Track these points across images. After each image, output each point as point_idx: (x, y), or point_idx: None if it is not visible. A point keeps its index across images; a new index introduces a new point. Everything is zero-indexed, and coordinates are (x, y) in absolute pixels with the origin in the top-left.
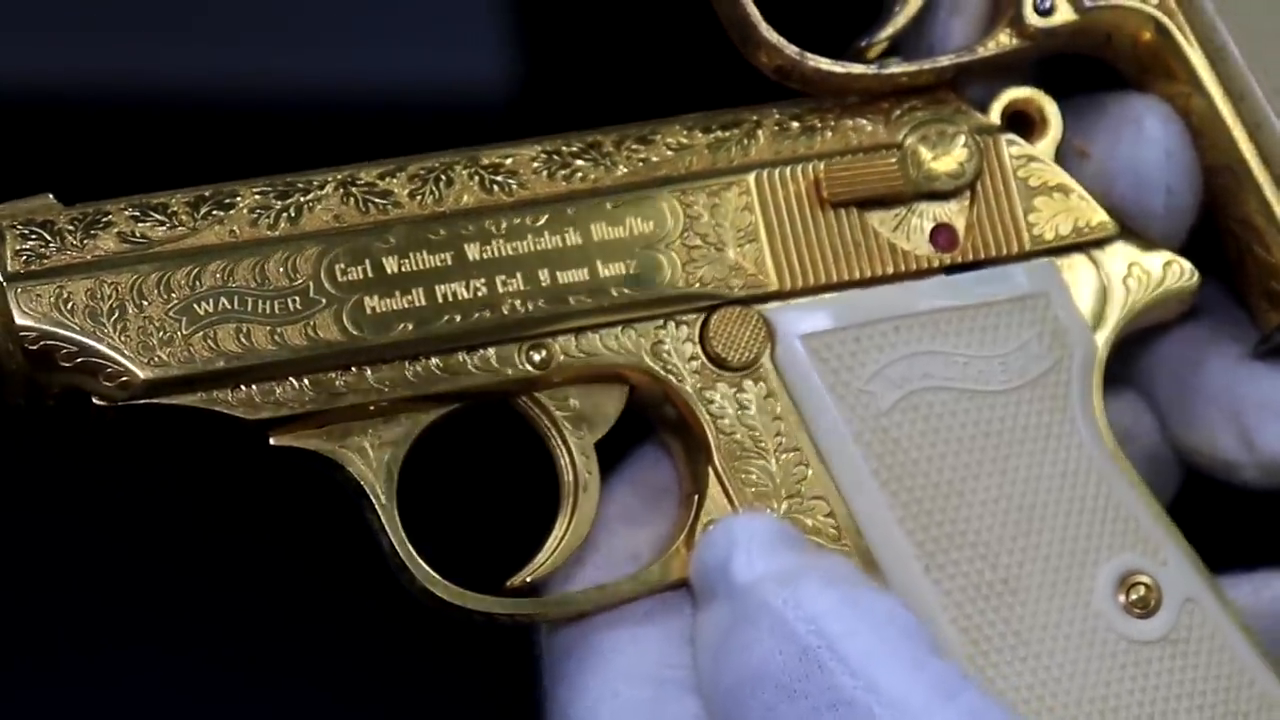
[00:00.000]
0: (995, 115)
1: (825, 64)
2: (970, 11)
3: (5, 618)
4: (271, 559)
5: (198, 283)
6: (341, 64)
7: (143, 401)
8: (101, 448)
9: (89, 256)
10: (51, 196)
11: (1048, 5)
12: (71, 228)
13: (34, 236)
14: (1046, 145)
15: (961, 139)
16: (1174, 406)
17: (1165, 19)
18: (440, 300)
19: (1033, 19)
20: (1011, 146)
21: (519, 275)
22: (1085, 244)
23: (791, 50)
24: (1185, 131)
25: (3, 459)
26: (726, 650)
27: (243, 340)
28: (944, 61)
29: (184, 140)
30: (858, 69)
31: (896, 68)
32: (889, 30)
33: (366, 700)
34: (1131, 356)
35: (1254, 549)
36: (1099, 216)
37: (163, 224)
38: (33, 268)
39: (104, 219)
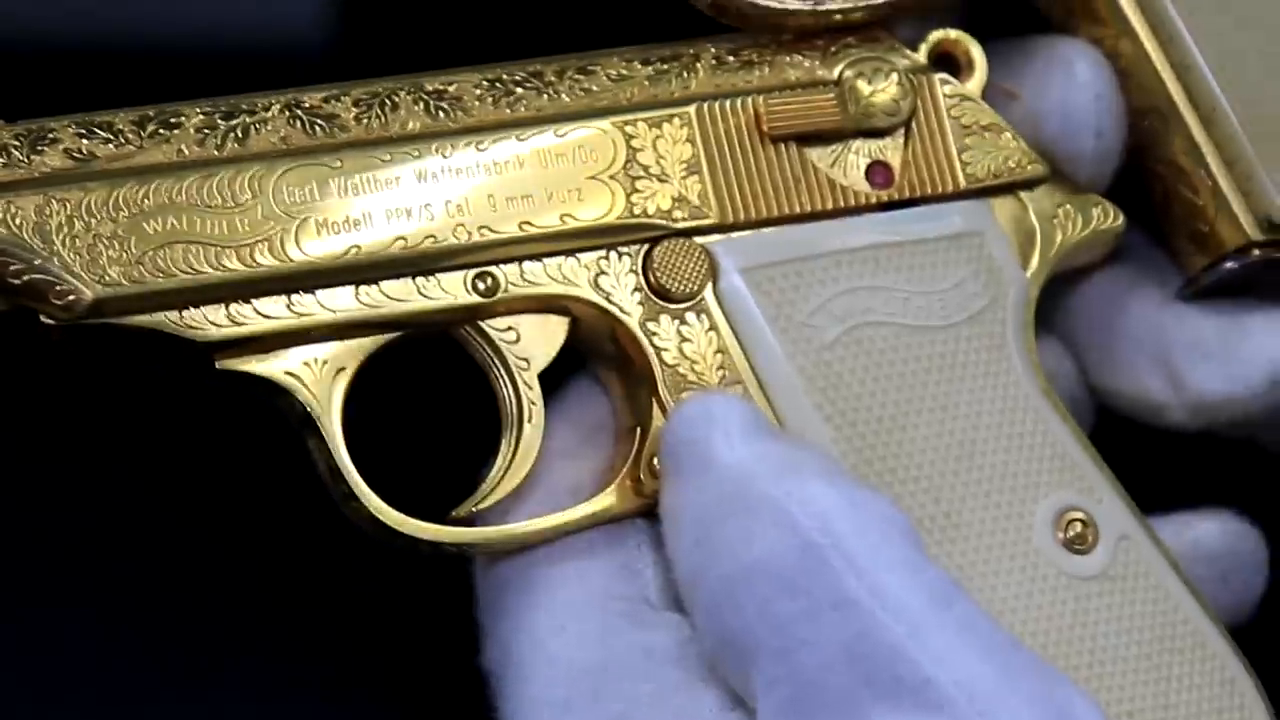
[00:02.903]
0: (922, 56)
1: (761, 1)
2: None
3: None
4: (205, 486)
5: (146, 201)
6: (152, 9)
7: (91, 321)
8: (43, 371)
9: (36, 173)
10: None
11: None
12: (17, 143)
13: None
14: (973, 87)
15: (896, 76)
16: (1098, 351)
17: None
18: (388, 224)
19: None
20: (945, 86)
21: (467, 201)
22: (1016, 184)
23: None
24: (1114, 75)
25: None
26: (722, 539)
27: (191, 261)
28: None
29: None
30: (793, 4)
31: (831, 4)
32: None
33: (294, 633)
34: (1053, 302)
35: (1166, 492)
36: (1030, 158)
37: (109, 141)
38: None
39: (49, 135)
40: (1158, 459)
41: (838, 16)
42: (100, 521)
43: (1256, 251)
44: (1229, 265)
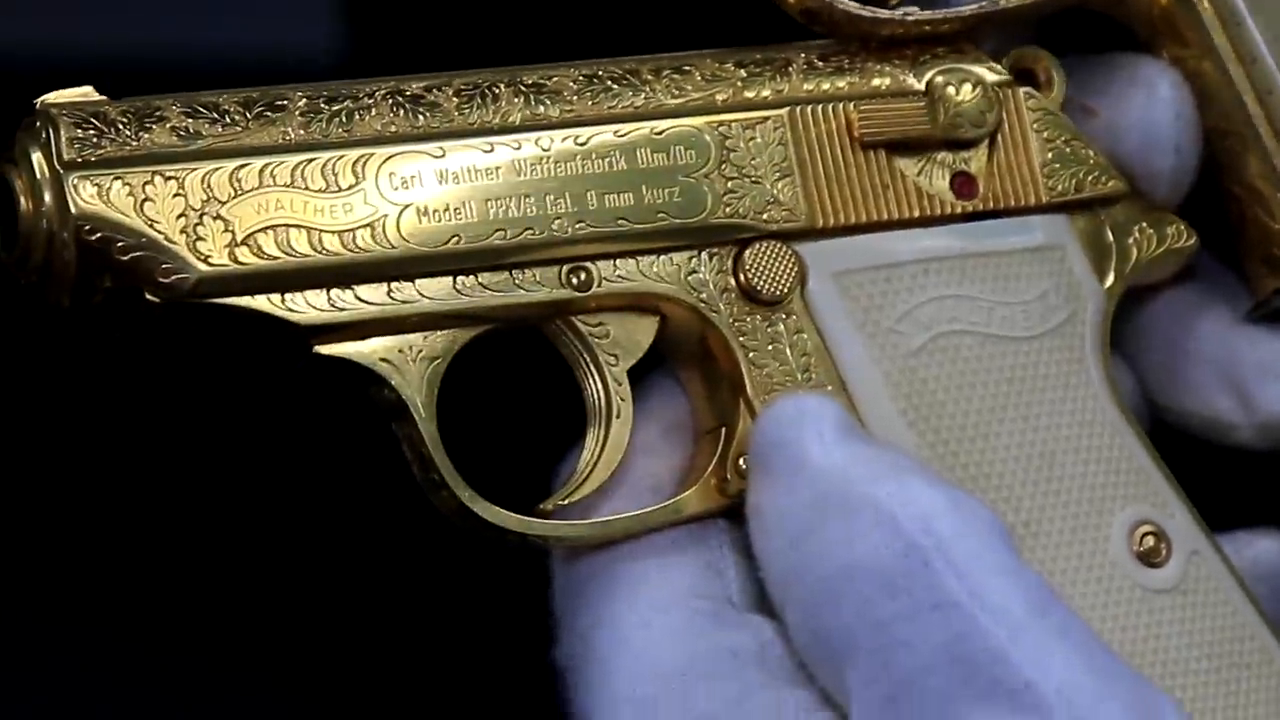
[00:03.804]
0: (1006, 69)
1: (854, 8)
2: None
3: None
4: (259, 480)
5: (252, 182)
6: (167, 30)
7: (194, 301)
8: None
9: (145, 150)
10: (92, 89)
11: None
12: (124, 120)
13: (88, 126)
14: (1053, 101)
15: (983, 88)
16: (1165, 369)
17: None
18: (488, 215)
19: None
20: (1029, 99)
21: (567, 196)
22: (1096, 200)
23: None
24: (1192, 96)
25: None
26: (821, 539)
27: (294, 243)
28: (967, 11)
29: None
30: (885, 14)
31: (922, 15)
32: None
33: (357, 632)
34: (1120, 320)
35: (1220, 511)
36: (1110, 174)
37: (216, 122)
38: (89, 157)
39: (156, 113)
40: (1211, 478)
41: (927, 27)
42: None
43: None
44: None
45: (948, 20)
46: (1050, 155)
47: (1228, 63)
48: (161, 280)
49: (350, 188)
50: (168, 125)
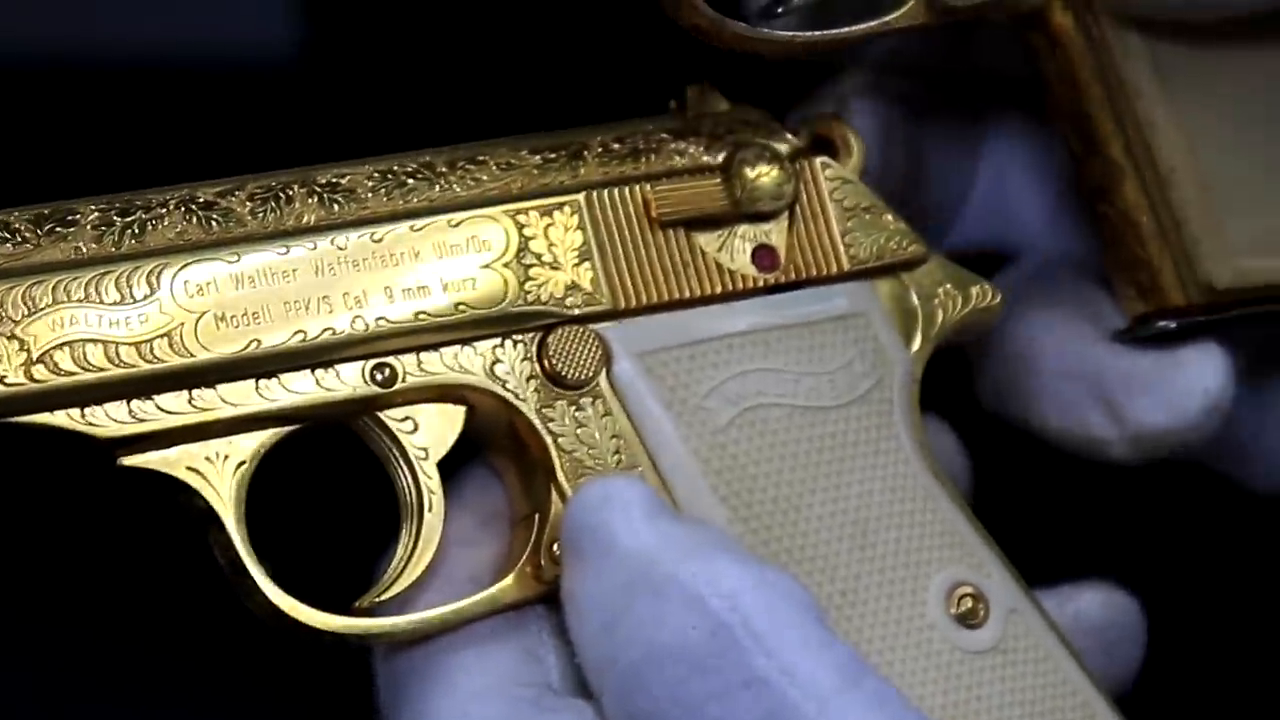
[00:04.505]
0: (803, 140)
1: (743, 29)
2: None
3: None
4: (101, 580)
5: (45, 300)
6: (126, 26)
7: None
8: None
9: None
10: None
11: None
12: None
13: None
14: (852, 170)
15: (779, 161)
16: (1035, 389)
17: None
18: (287, 317)
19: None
20: (826, 169)
21: (364, 292)
22: (898, 265)
23: (710, 13)
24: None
25: None
26: (631, 623)
27: (92, 358)
28: (857, 31)
29: None
30: (774, 35)
31: (810, 35)
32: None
33: None
34: (986, 342)
35: (1044, 565)
36: (910, 239)
37: (6, 241)
38: None
39: None
40: (1034, 532)
41: (816, 47)
42: None
43: (1197, 316)
44: (1168, 324)
45: (837, 39)
46: (850, 223)
47: (1112, 89)
48: None
49: (145, 298)
50: None
